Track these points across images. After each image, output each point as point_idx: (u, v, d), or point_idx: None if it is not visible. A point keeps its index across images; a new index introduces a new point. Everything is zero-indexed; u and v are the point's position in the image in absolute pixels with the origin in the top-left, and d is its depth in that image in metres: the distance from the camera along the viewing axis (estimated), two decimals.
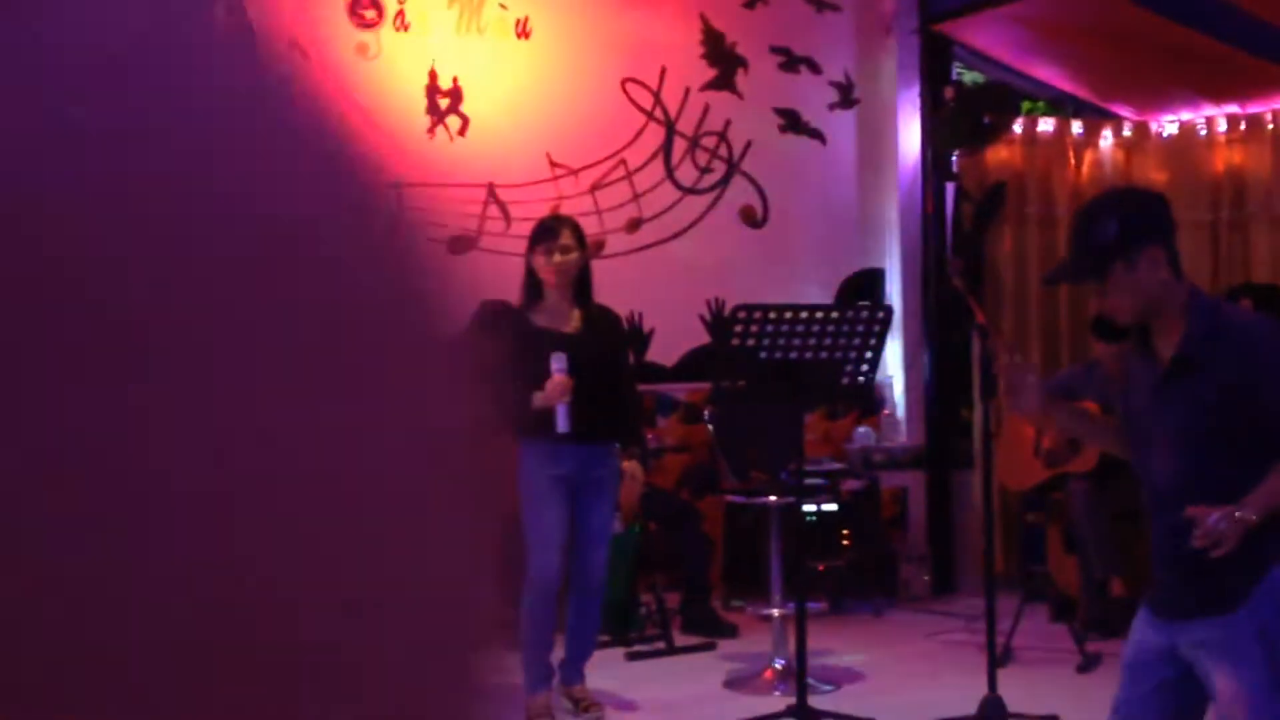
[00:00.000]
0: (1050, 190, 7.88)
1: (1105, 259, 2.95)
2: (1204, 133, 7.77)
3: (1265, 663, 2.91)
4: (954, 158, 7.79)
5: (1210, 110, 7.75)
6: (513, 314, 4.96)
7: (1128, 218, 2.98)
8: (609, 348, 5.10)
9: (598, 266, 7.23)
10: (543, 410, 5.07)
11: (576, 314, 5.10)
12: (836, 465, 7.21)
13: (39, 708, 0.40)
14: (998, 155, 7.84)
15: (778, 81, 7.91)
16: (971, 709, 4.74)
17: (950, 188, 7.83)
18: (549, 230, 5.09)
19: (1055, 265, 3.03)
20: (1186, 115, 7.84)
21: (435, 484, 0.47)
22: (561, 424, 4.85)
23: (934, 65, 7.85)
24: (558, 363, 4.88)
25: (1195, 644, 2.98)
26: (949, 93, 7.82)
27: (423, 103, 7.22)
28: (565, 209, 7.22)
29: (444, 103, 7.26)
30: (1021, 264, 7.87)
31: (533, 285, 5.07)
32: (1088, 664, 5.73)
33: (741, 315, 5.03)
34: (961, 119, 7.73)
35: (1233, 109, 7.68)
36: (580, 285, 5.13)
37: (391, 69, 7.16)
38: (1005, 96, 7.96)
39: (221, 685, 0.41)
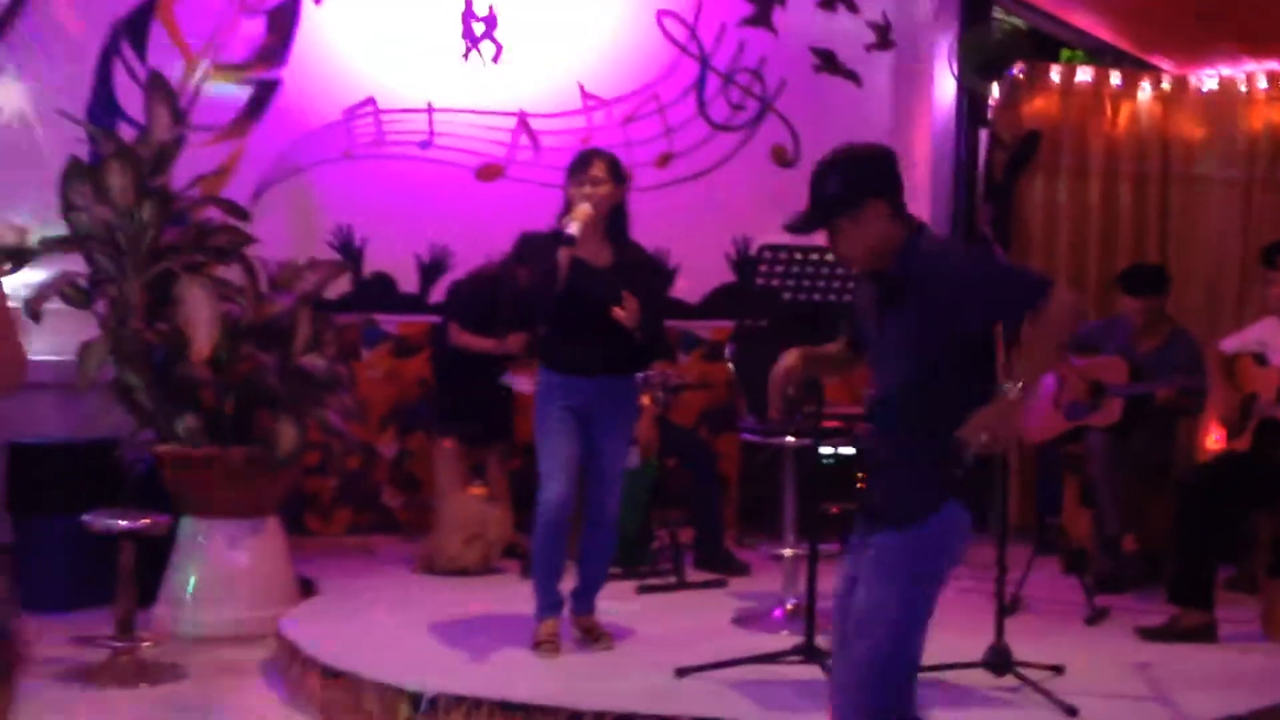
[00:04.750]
0: (1085, 141, 7.80)
1: (831, 212, 3.21)
2: (1244, 89, 7.67)
3: (900, 595, 3.15)
4: (989, 102, 7.70)
5: (1251, 66, 7.65)
6: (550, 245, 4.92)
7: (853, 175, 3.22)
8: (637, 286, 5.05)
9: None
10: (561, 339, 5.07)
11: (608, 249, 5.07)
12: (855, 410, 7.20)
13: None
14: (1033, 104, 7.76)
15: (815, 20, 7.84)
16: (978, 656, 4.77)
17: (984, 135, 7.76)
18: (582, 162, 5.07)
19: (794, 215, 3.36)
20: (1227, 71, 7.74)
21: None
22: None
23: (973, 9, 7.76)
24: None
25: (865, 559, 3.21)
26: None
27: (458, 27, 7.19)
28: (595, 141, 7.19)
29: (479, 28, 7.22)
30: (1052, 215, 7.81)
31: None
32: (1096, 617, 5.74)
33: (767, 255, 5.01)
34: (992, 47, 7.61)
35: (1273, 66, 7.58)
36: (613, 221, 5.10)
37: None
38: (1039, 45, 7.87)
39: None
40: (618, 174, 5.08)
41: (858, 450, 7.03)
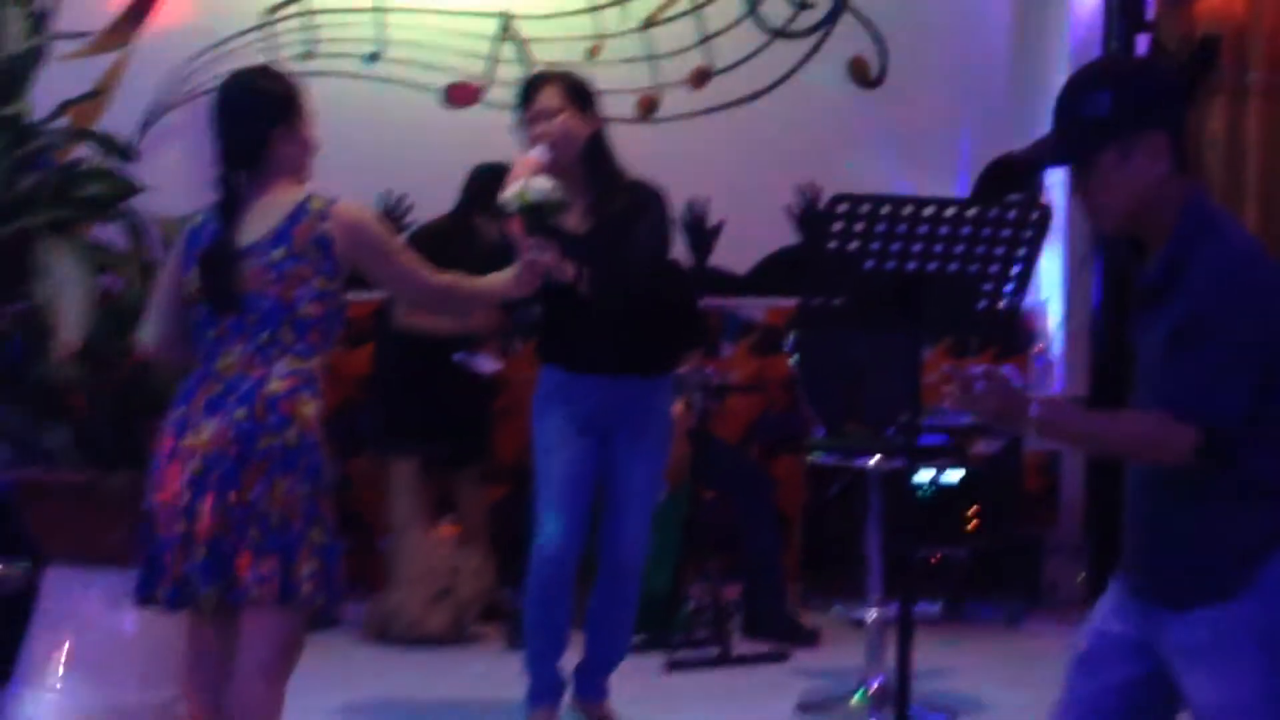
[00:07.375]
0: None
1: (1095, 140, 3.14)
2: None
3: (1263, 671, 3.04)
4: None
5: None
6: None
7: (1131, 92, 3.16)
8: (622, 237, 5.06)
9: (648, 133, 7.27)
10: (560, 327, 5.12)
11: (585, 203, 5.08)
12: (965, 419, 7.25)
13: None
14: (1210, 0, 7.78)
15: None
16: None
17: (1142, 42, 7.79)
18: (525, 93, 5.12)
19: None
20: None
21: None
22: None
23: None
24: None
25: (1175, 644, 3.13)
26: None
27: None
28: (607, 53, 7.25)
29: None
30: (1237, 151, 7.81)
31: None
32: None
33: (843, 209, 5.06)
34: None
35: None
36: (592, 160, 5.13)
37: None
38: None
39: None
40: (580, 97, 5.12)
41: (968, 474, 7.08)
